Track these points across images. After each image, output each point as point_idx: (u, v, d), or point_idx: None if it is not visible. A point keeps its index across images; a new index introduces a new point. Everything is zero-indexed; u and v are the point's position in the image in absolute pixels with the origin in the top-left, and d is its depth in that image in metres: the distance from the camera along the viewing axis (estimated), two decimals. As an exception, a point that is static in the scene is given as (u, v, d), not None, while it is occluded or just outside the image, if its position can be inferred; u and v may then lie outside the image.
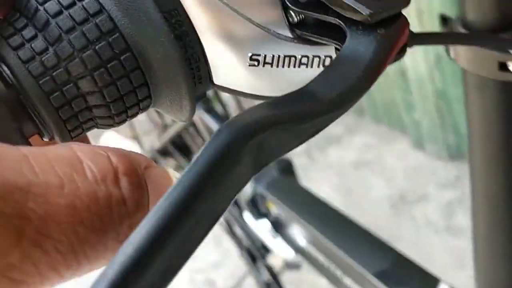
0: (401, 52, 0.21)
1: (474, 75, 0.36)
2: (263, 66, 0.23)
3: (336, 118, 0.17)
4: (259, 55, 0.23)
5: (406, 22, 0.20)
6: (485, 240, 0.47)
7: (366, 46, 0.19)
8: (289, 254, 0.94)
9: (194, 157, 0.14)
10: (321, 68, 0.24)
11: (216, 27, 0.22)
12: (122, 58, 0.21)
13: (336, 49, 0.22)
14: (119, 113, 0.22)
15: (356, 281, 0.79)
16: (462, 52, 0.36)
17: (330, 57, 0.24)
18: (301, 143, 0.17)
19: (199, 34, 0.22)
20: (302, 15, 0.22)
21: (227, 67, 0.23)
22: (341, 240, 0.79)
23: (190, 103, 0.22)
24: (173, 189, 0.13)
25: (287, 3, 0.22)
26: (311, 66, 0.24)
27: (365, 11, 0.19)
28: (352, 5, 0.19)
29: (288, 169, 0.95)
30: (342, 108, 0.17)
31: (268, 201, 0.92)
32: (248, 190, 0.93)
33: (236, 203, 1.00)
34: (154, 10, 0.20)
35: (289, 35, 0.23)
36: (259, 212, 0.96)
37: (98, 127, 0.23)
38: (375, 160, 1.67)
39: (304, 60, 0.23)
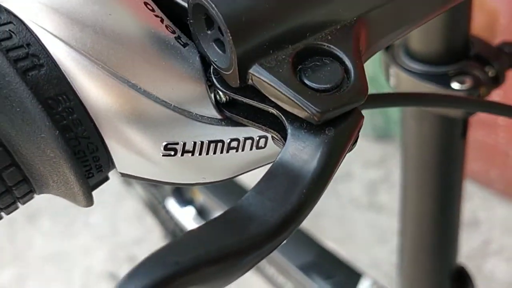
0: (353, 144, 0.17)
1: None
2: (182, 155, 0.19)
3: (273, 250, 0.14)
4: (176, 143, 0.18)
5: (360, 117, 0.16)
6: (410, 262, 0.47)
7: (311, 152, 0.15)
8: (214, 240, 0.92)
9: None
10: (254, 151, 0.20)
11: (118, 112, 0.17)
12: None
13: (274, 138, 0.18)
14: None
15: (280, 272, 0.79)
16: (403, 83, 0.34)
17: (265, 138, 0.20)
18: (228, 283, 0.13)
19: (96, 121, 0.17)
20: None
21: (135, 157, 0.18)
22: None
23: (84, 196, 0.18)
24: None
25: (216, 85, 0.17)
26: (242, 150, 0.20)
27: (311, 109, 0.15)
28: (294, 100, 0.15)
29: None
30: (282, 236, 0.14)
31: (193, 189, 0.89)
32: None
33: (160, 189, 0.96)
34: (31, 99, 0.16)
35: (216, 116, 0.19)
36: (183, 199, 0.93)
37: None
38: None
39: (234, 144, 0.19)
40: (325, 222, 1.41)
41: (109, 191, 1.57)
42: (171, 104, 0.18)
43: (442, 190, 0.40)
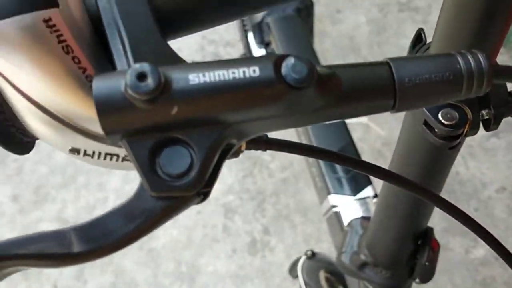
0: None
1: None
2: (84, 156, 0.24)
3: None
4: (79, 149, 0.24)
5: (186, 201, 0.21)
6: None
7: (141, 210, 0.21)
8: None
9: None
10: None
11: (39, 117, 0.22)
12: None
13: None
14: None
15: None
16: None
17: None
18: None
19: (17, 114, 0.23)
20: None
21: (48, 141, 0.24)
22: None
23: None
24: None
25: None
26: None
27: (147, 186, 0.20)
28: (140, 174, 0.20)
29: (306, 10, 0.90)
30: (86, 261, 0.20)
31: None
32: (259, 15, 0.90)
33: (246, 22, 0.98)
34: None
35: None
36: (262, 39, 0.95)
37: None
38: None
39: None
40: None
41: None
42: (77, 125, 0.23)
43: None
